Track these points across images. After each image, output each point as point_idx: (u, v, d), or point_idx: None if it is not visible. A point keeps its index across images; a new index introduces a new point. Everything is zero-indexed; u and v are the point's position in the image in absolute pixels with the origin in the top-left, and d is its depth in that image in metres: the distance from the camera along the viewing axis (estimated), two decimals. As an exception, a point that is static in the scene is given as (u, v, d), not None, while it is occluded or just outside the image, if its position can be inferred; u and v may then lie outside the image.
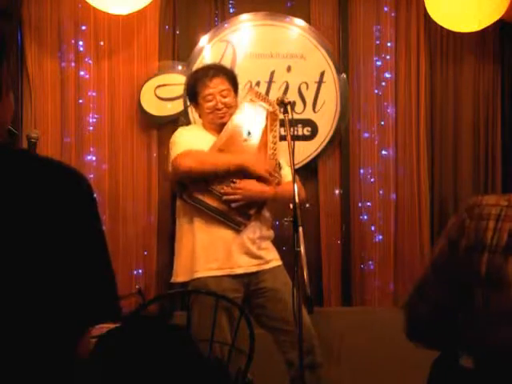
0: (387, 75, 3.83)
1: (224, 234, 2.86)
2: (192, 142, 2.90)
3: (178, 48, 3.73)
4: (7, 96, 1.26)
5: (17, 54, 3.54)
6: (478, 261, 1.42)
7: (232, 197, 2.84)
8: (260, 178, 2.88)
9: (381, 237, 3.80)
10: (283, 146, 2.90)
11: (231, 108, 2.96)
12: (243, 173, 2.86)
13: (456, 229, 1.49)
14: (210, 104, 2.94)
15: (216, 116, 2.95)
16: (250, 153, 2.92)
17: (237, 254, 2.87)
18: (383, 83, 3.83)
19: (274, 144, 2.97)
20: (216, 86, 2.94)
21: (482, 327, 1.43)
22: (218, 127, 2.96)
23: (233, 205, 2.84)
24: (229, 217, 2.86)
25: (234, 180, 2.86)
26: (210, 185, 2.84)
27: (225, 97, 2.95)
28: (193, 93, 3.00)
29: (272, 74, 3.70)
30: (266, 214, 3.01)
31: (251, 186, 2.87)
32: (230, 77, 3.01)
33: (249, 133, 2.94)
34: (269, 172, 2.90)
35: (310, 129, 3.74)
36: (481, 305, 1.42)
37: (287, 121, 2.72)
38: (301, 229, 2.41)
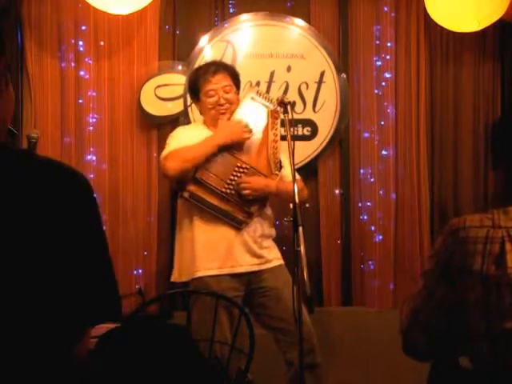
0: (387, 75, 3.83)
1: (225, 232, 2.86)
2: (187, 140, 2.89)
3: (178, 48, 3.74)
4: (7, 89, 1.26)
5: (17, 54, 3.54)
6: (473, 286, 1.41)
7: (246, 192, 2.84)
8: (243, 139, 2.89)
9: (381, 237, 3.80)
10: (283, 146, 2.90)
11: (233, 104, 2.95)
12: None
13: (443, 252, 1.47)
14: (212, 99, 2.94)
15: (218, 112, 2.94)
16: (223, 125, 2.91)
17: (238, 253, 2.86)
18: (383, 83, 3.83)
19: (275, 142, 2.96)
20: (218, 82, 2.93)
21: (485, 351, 1.42)
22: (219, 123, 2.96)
23: (245, 193, 2.84)
24: (230, 215, 2.85)
25: (234, 178, 2.86)
26: (211, 183, 2.84)
27: (227, 92, 2.94)
28: (195, 89, 2.99)
29: (272, 74, 3.71)
30: (268, 211, 3.01)
31: (256, 181, 2.87)
32: (232, 73, 3.01)
33: (250, 131, 2.94)
34: (249, 131, 2.90)
35: (309, 129, 3.74)
36: (482, 329, 1.41)
37: (287, 121, 2.71)
38: (301, 228, 2.40)
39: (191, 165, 2.81)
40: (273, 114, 2.97)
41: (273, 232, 3.01)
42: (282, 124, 2.94)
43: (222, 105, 2.93)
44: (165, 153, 2.89)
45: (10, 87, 1.28)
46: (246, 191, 2.85)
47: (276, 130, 2.97)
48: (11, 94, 1.28)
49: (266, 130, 2.95)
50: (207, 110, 2.97)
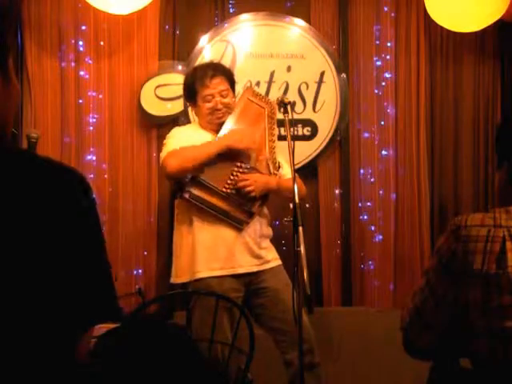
0: (387, 75, 3.83)
1: (225, 233, 2.85)
2: (184, 141, 2.88)
3: (178, 48, 3.74)
4: (12, 80, 1.25)
5: (17, 54, 3.55)
6: (473, 284, 1.41)
7: (248, 188, 2.83)
8: (249, 150, 2.87)
9: (381, 237, 3.80)
10: (282, 146, 2.89)
11: (230, 108, 2.95)
12: (233, 153, 2.85)
13: (445, 250, 1.47)
14: (210, 105, 2.93)
15: (215, 116, 2.94)
16: (233, 131, 2.90)
17: (239, 254, 2.85)
18: (383, 83, 3.83)
19: (273, 142, 2.96)
20: (216, 87, 2.92)
21: (485, 350, 1.42)
22: (216, 126, 2.95)
23: (247, 190, 2.83)
24: (231, 215, 2.84)
25: (234, 178, 2.86)
26: (211, 183, 2.84)
27: (224, 97, 2.94)
28: (191, 93, 2.98)
29: (272, 74, 3.71)
30: (265, 210, 3.00)
31: (256, 178, 2.87)
32: (229, 76, 3.00)
33: (254, 142, 2.93)
34: (256, 143, 2.89)
35: (309, 129, 3.74)
36: (482, 327, 1.41)
37: (287, 121, 2.71)
38: (301, 228, 2.40)
39: (191, 165, 2.79)
40: (269, 115, 2.97)
41: (270, 232, 3.01)
42: (281, 124, 2.93)
43: (219, 110, 2.93)
44: (164, 152, 2.88)
45: (14, 83, 1.27)
46: (248, 188, 2.84)
47: (273, 130, 2.98)
48: (12, 91, 1.27)
49: (262, 132, 2.95)
50: (204, 114, 2.96)
